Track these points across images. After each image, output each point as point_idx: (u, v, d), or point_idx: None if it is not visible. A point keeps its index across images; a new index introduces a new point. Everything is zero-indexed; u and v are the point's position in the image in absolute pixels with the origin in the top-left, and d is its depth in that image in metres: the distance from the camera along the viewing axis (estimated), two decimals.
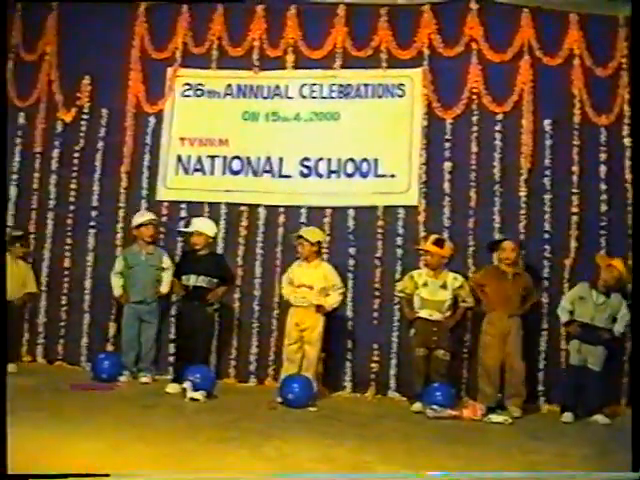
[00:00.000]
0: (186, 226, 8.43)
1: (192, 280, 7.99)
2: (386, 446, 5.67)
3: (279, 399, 7.23)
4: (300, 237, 7.90)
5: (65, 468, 4.08)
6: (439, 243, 7.84)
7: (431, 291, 7.70)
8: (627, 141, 8.20)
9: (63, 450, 4.76)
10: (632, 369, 3.21)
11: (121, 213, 8.96)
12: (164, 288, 8.35)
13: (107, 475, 3.51)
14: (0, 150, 3.66)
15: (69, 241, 9.04)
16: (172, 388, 7.52)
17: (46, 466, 4.18)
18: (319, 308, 7.74)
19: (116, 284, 8.40)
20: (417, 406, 7.34)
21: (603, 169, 8.27)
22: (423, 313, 7.67)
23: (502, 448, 5.90)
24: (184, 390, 7.20)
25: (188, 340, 7.93)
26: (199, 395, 7.11)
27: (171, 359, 8.52)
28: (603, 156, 8.28)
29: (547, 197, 8.33)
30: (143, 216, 8.55)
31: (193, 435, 5.62)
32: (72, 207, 9.08)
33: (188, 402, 7.05)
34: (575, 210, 8.26)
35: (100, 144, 9.11)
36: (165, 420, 6.23)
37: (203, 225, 8.26)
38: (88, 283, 8.93)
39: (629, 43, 8.26)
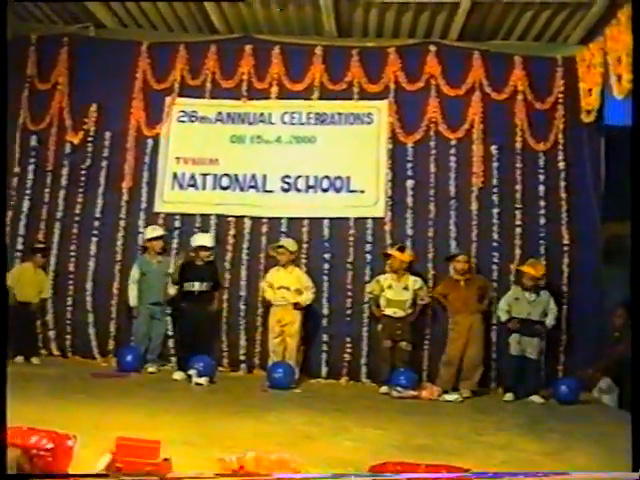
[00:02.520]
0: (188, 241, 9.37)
1: (196, 286, 9.03)
2: (359, 416, 6.90)
3: (268, 383, 8.42)
4: (281, 247, 9.05)
5: (117, 433, 4.50)
6: (401, 249, 9.07)
7: (395, 292, 8.91)
8: (561, 165, 9.49)
9: (110, 423, 5.52)
10: (633, 370, 3.86)
11: (122, 224, 9.86)
12: (171, 291, 9.28)
13: (106, 475, 3.60)
14: (0, 161, 4.11)
15: (73, 248, 9.89)
16: (178, 375, 8.63)
17: (102, 435, 4.72)
18: (296, 305, 8.96)
19: (132, 294, 9.31)
20: (384, 388, 8.56)
21: (542, 188, 9.51)
22: (388, 311, 8.90)
23: (453, 418, 7.22)
24: (189, 376, 8.31)
25: (192, 335, 8.96)
26: (203, 380, 8.25)
27: (171, 352, 9.50)
28: (541, 177, 9.53)
29: (495, 211, 9.54)
30: (155, 231, 9.45)
31: (205, 410, 6.79)
32: (78, 218, 9.92)
33: (194, 386, 8.18)
34: (519, 222, 9.48)
35: (104, 163, 10.00)
36: (180, 399, 7.38)
37: (209, 241, 9.31)
38: (90, 285, 9.79)
39: (565, 80, 9.57)
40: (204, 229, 9.70)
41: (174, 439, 4.43)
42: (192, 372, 8.32)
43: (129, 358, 9.01)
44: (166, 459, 4.04)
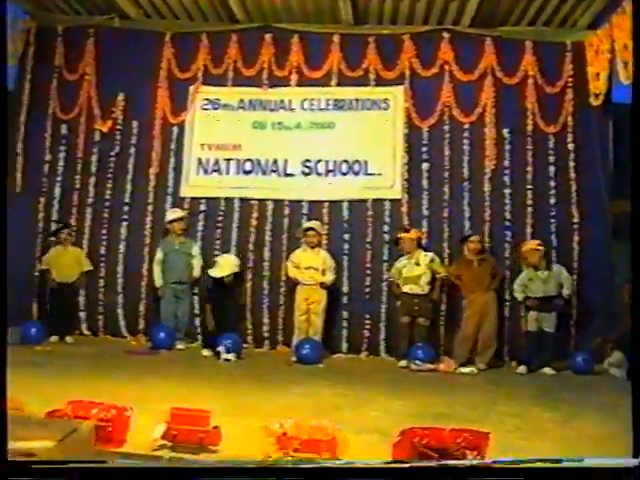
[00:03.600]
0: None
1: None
2: (382, 388, 7.33)
3: (294, 358, 8.91)
4: (311, 229, 9.49)
5: (158, 405, 5.07)
6: (406, 231, 9.50)
7: (408, 269, 9.32)
8: (571, 146, 9.82)
9: (151, 396, 5.97)
10: (633, 363, 4.05)
11: (150, 208, 10.29)
12: (196, 272, 9.79)
13: (109, 470, 3.67)
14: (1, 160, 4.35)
15: (104, 232, 10.33)
16: (207, 352, 9.10)
17: (146, 407, 5.07)
18: (322, 284, 9.41)
19: (157, 274, 9.77)
20: (403, 362, 9.00)
21: (552, 169, 9.85)
22: (405, 288, 9.33)
23: (469, 389, 7.67)
24: (218, 353, 8.79)
25: (219, 312, 9.44)
26: (231, 356, 8.72)
27: (198, 330, 9.94)
28: (551, 159, 9.87)
29: (507, 192, 9.90)
30: (175, 213, 9.91)
31: (236, 383, 7.26)
32: (108, 203, 10.36)
33: (222, 362, 8.64)
34: (530, 202, 9.84)
35: (132, 150, 10.40)
36: (211, 374, 7.84)
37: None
38: (120, 268, 10.27)
39: (574, 65, 9.87)
40: (228, 212, 10.13)
41: (213, 410, 4.68)
42: (221, 348, 8.76)
43: (162, 335, 9.42)
44: (216, 427, 4.51)
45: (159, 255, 9.81)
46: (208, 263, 9.81)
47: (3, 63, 5.03)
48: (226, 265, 9.57)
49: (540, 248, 9.18)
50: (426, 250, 9.56)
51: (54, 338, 9.54)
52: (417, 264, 9.34)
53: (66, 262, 9.84)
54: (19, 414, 4.12)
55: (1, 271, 4.24)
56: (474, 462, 4.03)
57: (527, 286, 9.18)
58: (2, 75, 4.92)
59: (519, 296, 9.25)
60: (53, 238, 10.11)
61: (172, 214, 9.92)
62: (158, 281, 9.79)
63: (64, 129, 10.54)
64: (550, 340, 9.08)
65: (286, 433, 4.30)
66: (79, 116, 10.50)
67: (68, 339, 9.69)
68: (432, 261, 9.39)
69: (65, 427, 3.51)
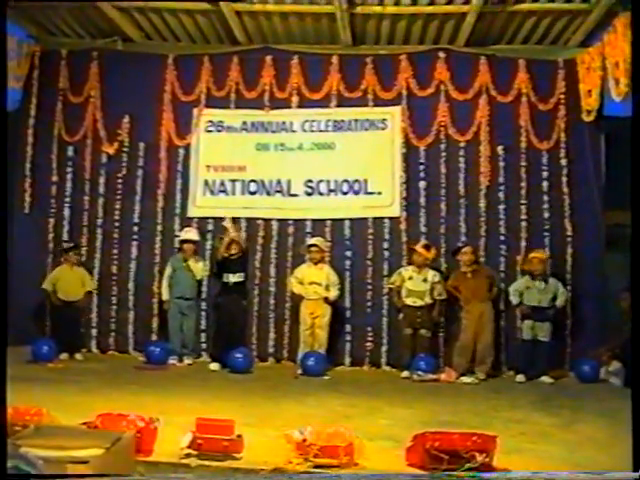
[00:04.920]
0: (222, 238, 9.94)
1: (231, 278, 9.73)
2: (388, 398, 7.61)
3: (299, 371, 9.18)
4: (314, 245, 9.77)
5: (178, 417, 5.41)
6: (427, 247, 9.75)
7: (415, 283, 9.60)
8: (564, 162, 10.11)
9: (169, 408, 6.17)
10: (633, 367, 4.40)
11: (159, 228, 10.54)
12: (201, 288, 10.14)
13: (107, 475, 3.69)
14: (1, 157, 4.39)
15: (115, 251, 10.58)
16: (214, 366, 9.36)
17: (165, 419, 5.22)
18: (326, 299, 9.69)
19: (164, 288, 10.00)
20: (405, 373, 9.30)
21: (545, 184, 10.15)
22: (408, 301, 9.61)
23: (471, 398, 7.95)
24: (224, 366, 9.12)
25: (227, 327, 9.71)
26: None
27: (203, 346, 10.26)
28: (545, 174, 10.16)
29: (501, 207, 10.21)
30: (188, 233, 10.07)
31: (249, 395, 7.51)
32: (117, 224, 10.60)
33: (232, 375, 8.90)
34: (524, 217, 10.13)
35: (139, 172, 10.65)
36: (223, 387, 8.12)
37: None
38: (132, 285, 10.53)
39: (567, 82, 10.14)
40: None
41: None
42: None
43: (156, 351, 9.69)
44: (239, 435, 4.79)
45: (168, 270, 10.04)
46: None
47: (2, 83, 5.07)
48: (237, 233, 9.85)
49: (546, 259, 9.49)
50: (433, 268, 9.83)
51: (64, 355, 9.73)
52: (424, 281, 9.62)
53: (71, 281, 10.02)
54: (62, 425, 4.36)
55: (2, 290, 4.62)
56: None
57: (522, 293, 9.45)
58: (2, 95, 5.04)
59: (514, 299, 9.52)
60: (62, 257, 10.31)
61: (185, 234, 10.11)
62: (165, 295, 10.02)
63: (70, 151, 10.77)
64: (545, 349, 9.36)
65: (306, 440, 4.58)
66: (85, 138, 10.73)
67: (78, 356, 9.92)
68: (438, 282, 9.64)
69: (110, 437, 3.76)
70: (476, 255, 9.78)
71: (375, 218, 10.35)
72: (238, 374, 8.95)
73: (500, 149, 10.24)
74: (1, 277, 4.56)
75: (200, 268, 10.08)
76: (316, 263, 9.80)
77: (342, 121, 10.51)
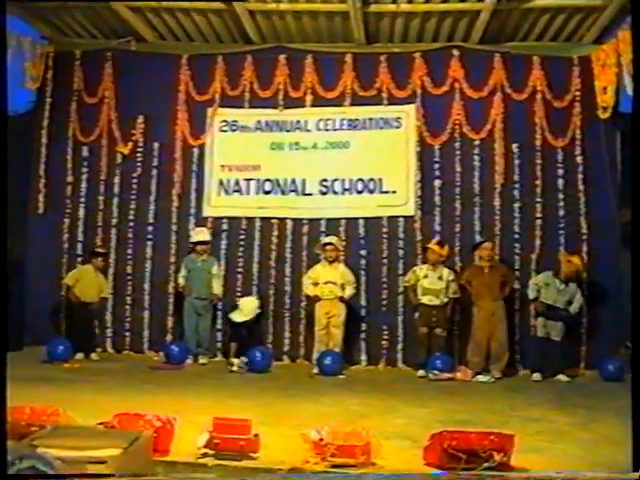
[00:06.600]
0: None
1: None
2: (404, 397, 7.60)
3: (315, 370, 9.19)
4: (329, 244, 9.77)
5: (194, 416, 5.44)
6: (440, 244, 9.76)
7: (430, 281, 9.58)
8: (579, 159, 10.06)
9: (185, 407, 6.19)
10: (633, 368, 4.33)
11: (174, 228, 10.58)
12: (216, 290, 10.05)
13: (110, 475, 3.67)
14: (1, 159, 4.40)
15: (130, 251, 10.63)
16: (237, 361, 9.29)
17: (189, 418, 5.37)
18: (341, 299, 9.68)
19: (180, 281, 10.03)
20: (421, 372, 9.29)
21: (560, 182, 10.11)
22: (424, 299, 9.59)
23: (488, 397, 7.91)
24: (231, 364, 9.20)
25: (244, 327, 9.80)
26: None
27: (218, 345, 10.30)
28: (560, 172, 10.12)
29: (516, 205, 10.18)
30: (199, 234, 10.10)
31: (265, 394, 7.52)
32: (132, 224, 10.65)
33: (248, 374, 8.93)
34: (539, 215, 10.11)
35: (154, 172, 10.68)
36: (239, 386, 8.16)
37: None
38: (147, 285, 10.57)
39: (582, 79, 10.09)
40: (249, 231, 10.40)
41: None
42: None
43: (175, 351, 9.72)
44: (256, 435, 4.79)
45: (183, 272, 10.08)
46: (229, 306, 10.21)
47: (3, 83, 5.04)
48: (247, 309, 9.92)
49: (579, 264, 9.44)
50: (447, 266, 9.81)
51: (79, 355, 9.77)
52: (440, 278, 9.61)
53: (91, 284, 10.05)
54: (79, 426, 4.38)
55: (2, 292, 4.56)
56: None
57: (540, 290, 9.41)
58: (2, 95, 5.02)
59: (531, 294, 9.49)
60: (79, 258, 10.41)
61: (197, 235, 10.14)
62: (181, 283, 10.05)
63: (85, 151, 10.82)
64: (557, 348, 9.32)
65: (323, 439, 4.58)
66: (100, 138, 10.77)
67: (93, 356, 9.97)
68: (453, 280, 9.63)
69: (128, 436, 3.77)
70: (493, 252, 9.78)
71: (390, 217, 10.34)
72: (255, 373, 8.99)
73: (515, 147, 10.22)
74: (2, 279, 4.55)
75: (214, 268, 10.09)
76: (331, 262, 9.79)
77: (356, 120, 10.50)
